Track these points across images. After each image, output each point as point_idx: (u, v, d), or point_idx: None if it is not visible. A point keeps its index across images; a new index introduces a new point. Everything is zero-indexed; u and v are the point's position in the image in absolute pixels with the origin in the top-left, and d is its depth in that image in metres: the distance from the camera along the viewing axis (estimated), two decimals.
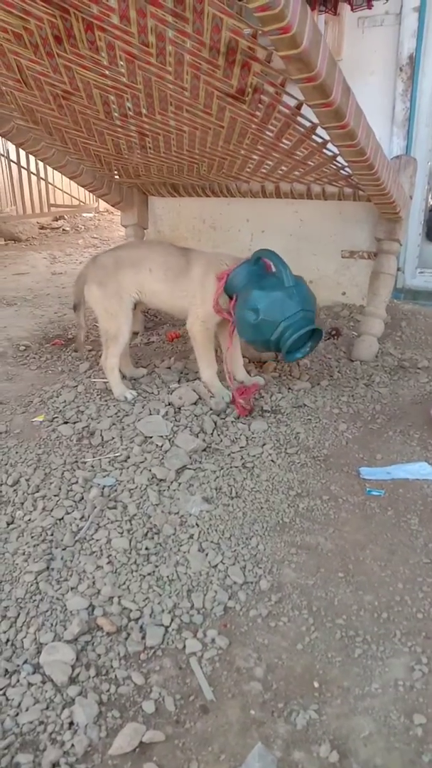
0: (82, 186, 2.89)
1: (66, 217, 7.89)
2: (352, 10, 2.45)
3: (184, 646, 1.19)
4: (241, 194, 2.72)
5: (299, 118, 1.63)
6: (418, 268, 3.10)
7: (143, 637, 1.21)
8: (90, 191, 2.95)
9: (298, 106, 1.55)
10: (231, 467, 1.79)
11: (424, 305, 3.04)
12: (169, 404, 2.13)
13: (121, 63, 1.49)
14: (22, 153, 6.43)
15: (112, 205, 3.11)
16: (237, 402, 2.13)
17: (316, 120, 1.57)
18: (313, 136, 1.72)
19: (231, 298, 2.14)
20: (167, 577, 1.36)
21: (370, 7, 2.41)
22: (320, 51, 1.26)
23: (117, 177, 2.73)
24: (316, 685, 1.11)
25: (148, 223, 3.16)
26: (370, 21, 2.72)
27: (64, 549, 1.45)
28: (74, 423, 2.03)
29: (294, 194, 2.58)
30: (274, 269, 2.10)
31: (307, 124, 1.64)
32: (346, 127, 1.51)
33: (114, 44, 1.41)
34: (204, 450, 1.88)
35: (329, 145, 1.74)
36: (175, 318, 2.87)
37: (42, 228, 7.14)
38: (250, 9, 1.10)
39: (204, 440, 1.92)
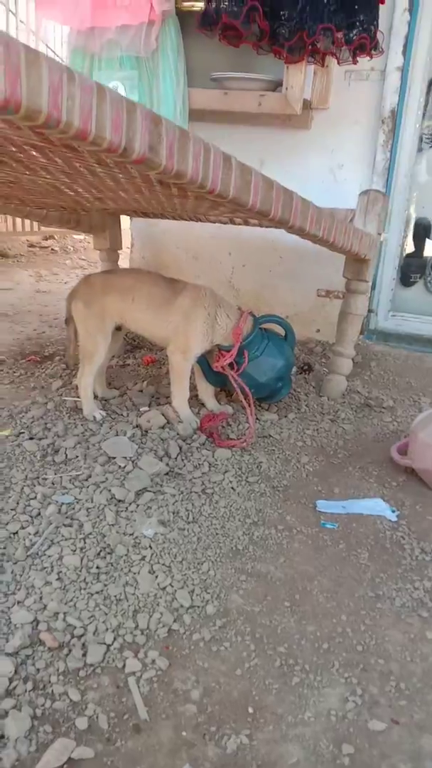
0: (49, 227, 2.95)
1: (56, 236, 7.95)
2: (338, 63, 2.58)
3: (124, 665, 1.20)
4: (209, 220, 2.78)
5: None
6: (390, 311, 3.20)
7: (84, 654, 1.21)
8: (59, 228, 3.01)
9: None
10: (191, 492, 1.82)
11: (395, 347, 3.12)
12: (137, 426, 2.15)
13: (63, 177, 1.57)
14: None
15: (85, 233, 3.16)
16: (204, 429, 2.17)
17: None
18: None
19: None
20: (115, 596, 1.37)
21: (355, 62, 2.54)
22: (251, 189, 1.34)
23: (83, 212, 2.79)
24: (250, 710, 1.13)
25: (121, 244, 3.21)
26: (357, 75, 2.87)
27: (15, 563, 1.45)
28: (40, 439, 2.04)
29: (262, 225, 2.66)
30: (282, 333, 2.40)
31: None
32: (294, 227, 1.62)
33: (47, 167, 1.50)
34: (166, 474, 1.91)
35: None
36: (154, 343, 2.93)
37: (31, 246, 7.20)
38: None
39: (167, 464, 1.94)
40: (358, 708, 1.14)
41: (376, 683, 1.20)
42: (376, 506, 1.81)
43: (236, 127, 3.05)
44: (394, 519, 1.76)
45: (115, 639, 1.26)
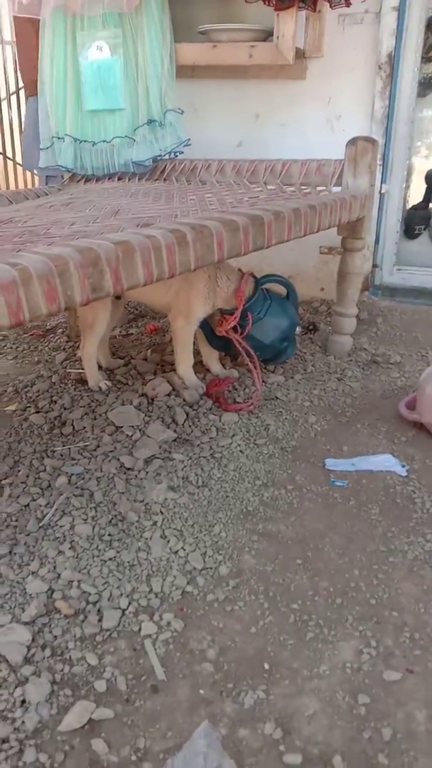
0: None
1: None
2: (331, 7, 2.46)
3: (140, 629, 1.21)
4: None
5: None
6: (395, 266, 3.13)
7: (100, 620, 1.23)
8: None
9: None
10: (200, 457, 1.82)
11: (401, 302, 3.07)
12: (143, 395, 2.15)
13: None
14: None
15: None
16: (210, 394, 2.16)
17: None
18: None
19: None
20: (128, 562, 1.38)
21: (348, 5, 2.43)
22: (215, 248, 1.41)
23: None
24: (266, 666, 1.14)
25: None
26: (351, 18, 2.75)
27: (27, 534, 1.46)
28: (47, 412, 2.04)
29: None
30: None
31: None
32: (271, 246, 1.75)
33: None
34: (174, 440, 1.91)
35: None
36: (156, 311, 2.91)
37: None
38: None
39: (175, 431, 1.94)
40: (372, 659, 1.15)
41: (390, 635, 1.21)
42: (385, 462, 1.81)
43: (227, 81, 2.95)
44: (404, 474, 1.75)
45: (129, 603, 1.27)
